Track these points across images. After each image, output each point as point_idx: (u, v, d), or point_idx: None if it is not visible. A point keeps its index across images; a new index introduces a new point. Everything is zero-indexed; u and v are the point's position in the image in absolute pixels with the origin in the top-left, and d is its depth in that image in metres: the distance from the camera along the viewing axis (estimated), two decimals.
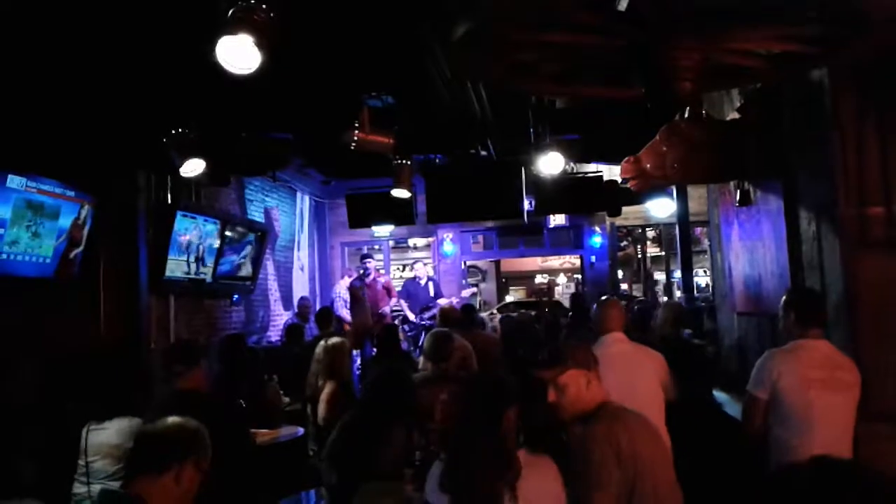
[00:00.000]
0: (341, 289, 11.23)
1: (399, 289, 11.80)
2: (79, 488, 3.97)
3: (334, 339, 5.59)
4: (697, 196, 9.12)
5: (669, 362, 4.28)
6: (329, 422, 4.87)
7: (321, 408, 5.13)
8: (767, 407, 3.47)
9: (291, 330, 8.29)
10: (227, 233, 8.54)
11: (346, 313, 10.68)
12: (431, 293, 11.41)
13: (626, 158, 4.72)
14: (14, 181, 5.42)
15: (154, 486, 2.34)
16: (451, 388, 4.20)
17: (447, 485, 2.51)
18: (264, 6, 3.48)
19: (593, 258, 13.63)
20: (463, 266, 14.17)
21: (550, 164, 7.00)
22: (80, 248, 6.19)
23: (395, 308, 11.57)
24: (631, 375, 3.89)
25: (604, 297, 4.60)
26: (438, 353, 4.73)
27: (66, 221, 6.00)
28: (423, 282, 11.61)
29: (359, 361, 9.01)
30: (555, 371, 2.93)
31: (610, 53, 2.92)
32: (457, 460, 2.56)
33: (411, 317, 11.11)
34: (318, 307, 11.84)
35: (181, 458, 2.40)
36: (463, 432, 2.69)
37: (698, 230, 15.14)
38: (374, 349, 8.82)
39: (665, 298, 14.98)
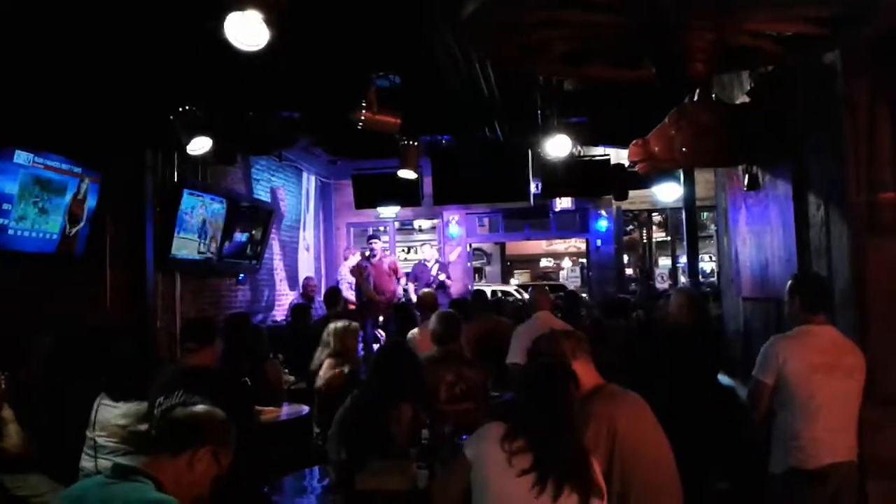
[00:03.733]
0: (346, 270, 11.26)
1: (408, 270, 11.86)
2: (86, 462, 4.00)
3: (343, 322, 5.63)
4: (704, 181, 9.07)
5: (687, 350, 4.66)
6: (330, 387, 4.93)
7: (323, 374, 5.18)
8: (773, 392, 3.47)
9: (298, 310, 8.32)
10: (233, 212, 8.54)
11: (350, 295, 10.71)
12: (434, 273, 11.46)
13: (634, 141, 4.70)
14: (21, 156, 5.42)
15: (167, 466, 2.34)
16: (456, 369, 4.22)
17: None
18: None
19: (599, 242, 13.61)
20: (468, 248, 14.16)
21: (558, 146, 6.97)
22: (80, 224, 6.18)
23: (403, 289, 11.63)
24: None
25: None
26: (446, 334, 4.73)
27: (69, 197, 6.01)
28: (429, 264, 11.64)
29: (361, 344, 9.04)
30: None
31: (622, 34, 2.90)
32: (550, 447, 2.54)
33: (414, 298, 11.15)
34: (322, 287, 11.88)
35: (199, 444, 2.38)
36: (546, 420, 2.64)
37: (705, 215, 15.08)
38: (377, 330, 8.88)
39: (668, 284, 14.96)
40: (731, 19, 2.76)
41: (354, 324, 5.72)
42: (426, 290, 7.92)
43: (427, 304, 6.57)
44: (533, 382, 2.70)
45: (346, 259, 11.80)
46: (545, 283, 19.76)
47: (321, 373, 5.32)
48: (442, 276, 11.20)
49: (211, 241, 8.17)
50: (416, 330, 6.12)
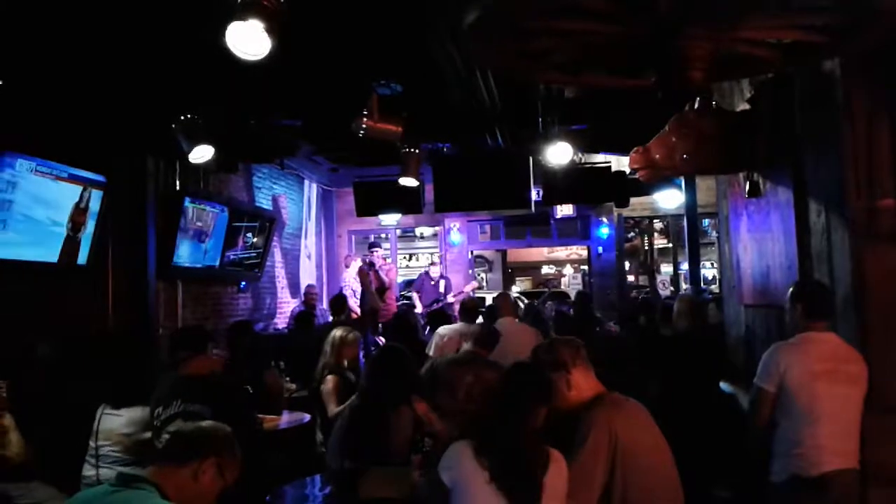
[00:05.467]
0: (350, 278, 11.27)
1: (411, 278, 11.86)
2: (88, 471, 4.01)
3: (343, 331, 5.59)
4: (706, 187, 9.08)
5: (688, 357, 4.63)
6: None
7: (329, 403, 5.14)
8: (775, 400, 3.47)
9: (301, 317, 8.32)
10: (235, 220, 8.55)
11: (354, 303, 10.71)
12: (441, 290, 11.49)
13: (635, 149, 4.71)
14: (24, 165, 5.43)
15: (171, 477, 2.36)
16: (476, 370, 4.21)
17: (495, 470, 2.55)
18: None
19: (600, 249, 13.60)
20: (470, 256, 14.17)
21: (559, 153, 6.98)
22: (83, 232, 6.18)
23: (406, 295, 11.61)
24: None
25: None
26: (485, 339, 5.07)
27: (71, 205, 6.02)
28: (434, 280, 11.65)
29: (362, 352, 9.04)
30: None
31: (622, 42, 2.91)
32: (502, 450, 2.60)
33: (419, 308, 11.16)
34: (324, 295, 11.89)
35: (202, 455, 2.41)
36: (497, 421, 2.69)
37: (706, 222, 15.08)
38: (378, 337, 8.87)
39: (670, 290, 14.95)
40: (728, 27, 2.77)
41: (354, 333, 5.66)
42: (469, 298, 7.95)
43: (470, 309, 6.74)
44: (500, 392, 2.75)
45: (347, 266, 11.81)
46: (553, 290, 19.75)
47: (329, 401, 5.24)
48: (451, 298, 11.22)
49: (213, 249, 8.18)
50: (448, 328, 6.27)
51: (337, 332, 5.55)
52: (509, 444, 2.60)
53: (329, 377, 5.25)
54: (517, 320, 6.63)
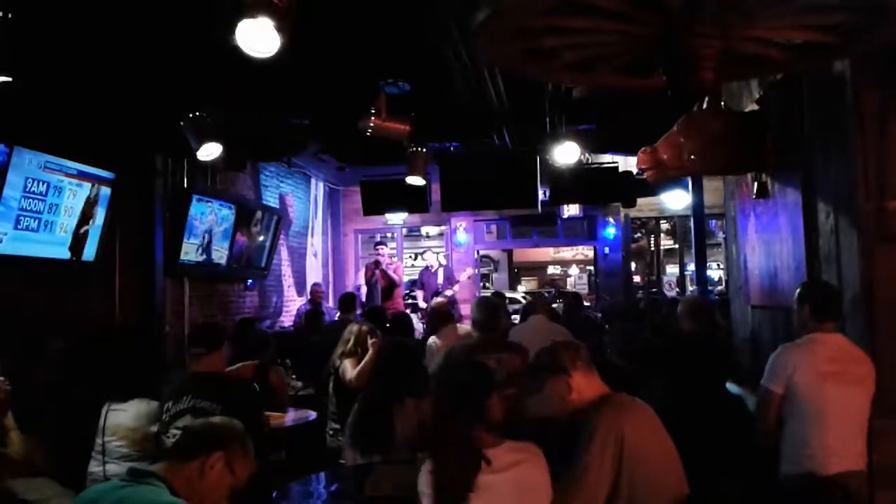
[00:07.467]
0: (363, 279, 11.33)
1: (415, 277, 11.89)
2: (94, 467, 4.01)
3: (365, 326, 5.59)
4: (712, 188, 9.05)
5: (693, 358, 4.63)
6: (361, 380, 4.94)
7: (348, 372, 5.16)
8: (782, 401, 3.47)
9: (310, 316, 8.34)
10: (242, 218, 8.57)
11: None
12: (440, 280, 11.46)
13: (643, 149, 4.70)
14: (34, 161, 5.45)
15: (180, 473, 2.35)
16: (497, 356, 4.18)
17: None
18: None
19: (607, 249, 13.58)
20: (476, 255, 14.17)
21: (566, 153, 6.98)
22: (91, 228, 6.19)
23: (411, 294, 11.64)
24: None
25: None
26: (489, 323, 4.62)
27: (81, 202, 6.04)
28: (434, 269, 11.63)
29: None
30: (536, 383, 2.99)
31: (631, 41, 2.90)
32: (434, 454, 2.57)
33: (423, 305, 11.18)
34: (330, 293, 11.91)
35: (209, 450, 2.39)
36: (436, 424, 2.67)
37: (713, 223, 15.04)
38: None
39: (676, 291, 14.92)
40: (738, 27, 2.76)
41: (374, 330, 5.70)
42: (439, 299, 7.78)
43: (441, 315, 6.31)
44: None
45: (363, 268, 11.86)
46: (556, 290, 19.71)
47: (349, 367, 5.24)
48: (449, 291, 11.20)
49: (220, 247, 8.20)
50: (435, 338, 5.89)
51: (363, 326, 5.54)
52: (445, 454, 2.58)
53: (347, 360, 5.27)
54: (548, 319, 6.14)
